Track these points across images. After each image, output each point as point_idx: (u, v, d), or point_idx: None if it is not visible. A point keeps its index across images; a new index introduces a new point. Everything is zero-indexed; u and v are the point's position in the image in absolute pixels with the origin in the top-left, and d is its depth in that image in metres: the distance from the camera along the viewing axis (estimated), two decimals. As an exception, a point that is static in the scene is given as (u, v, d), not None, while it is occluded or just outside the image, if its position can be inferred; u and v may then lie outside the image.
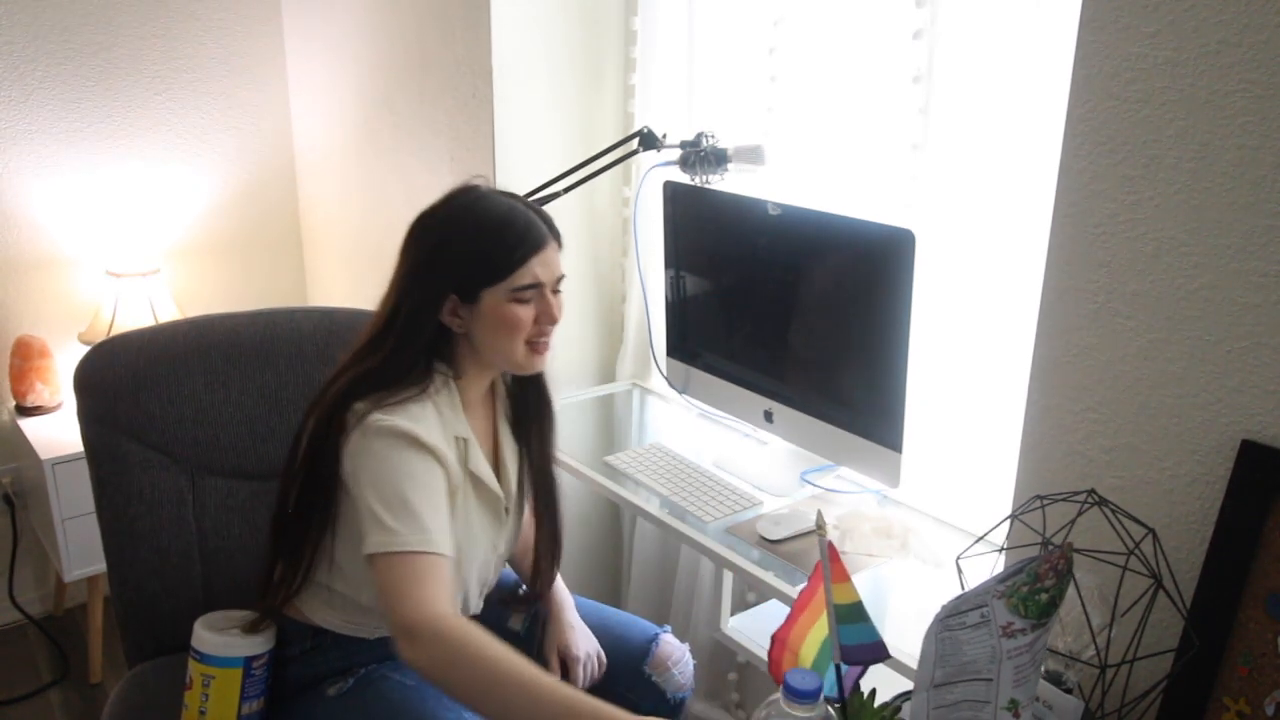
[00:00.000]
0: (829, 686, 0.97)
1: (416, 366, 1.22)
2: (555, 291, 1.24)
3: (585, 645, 1.42)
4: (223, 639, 1.26)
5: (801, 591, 1.02)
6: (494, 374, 1.33)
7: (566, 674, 1.40)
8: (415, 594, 1.11)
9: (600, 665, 1.43)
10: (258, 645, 1.28)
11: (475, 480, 1.29)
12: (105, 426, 1.40)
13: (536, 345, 1.24)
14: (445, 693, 1.11)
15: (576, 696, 1.07)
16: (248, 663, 1.26)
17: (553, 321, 1.24)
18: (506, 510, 1.35)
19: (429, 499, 1.16)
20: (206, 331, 1.48)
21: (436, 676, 1.10)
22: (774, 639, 1.03)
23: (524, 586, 1.47)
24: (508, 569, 1.51)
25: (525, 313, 1.21)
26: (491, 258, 1.19)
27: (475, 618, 1.44)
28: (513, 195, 1.25)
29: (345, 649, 1.32)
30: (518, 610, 1.49)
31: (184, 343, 1.46)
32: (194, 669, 1.27)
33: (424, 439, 1.17)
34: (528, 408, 1.37)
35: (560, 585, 1.49)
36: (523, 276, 1.19)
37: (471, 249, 1.19)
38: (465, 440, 1.27)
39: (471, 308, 1.21)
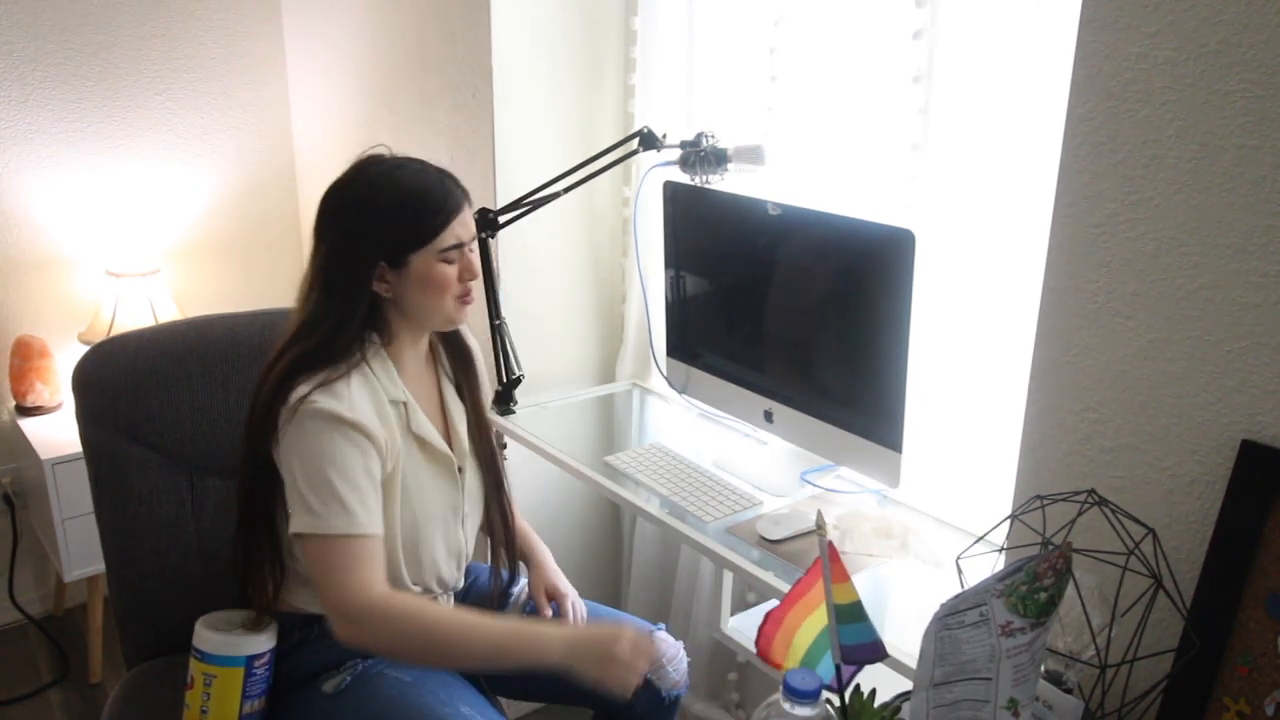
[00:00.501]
0: (826, 678, 0.97)
1: (355, 340, 1.27)
2: (471, 250, 1.32)
3: (569, 585, 1.51)
4: (224, 638, 1.26)
5: (801, 578, 1.02)
6: (425, 335, 1.38)
7: (557, 613, 1.48)
8: (347, 579, 1.18)
9: (582, 605, 1.51)
10: (259, 644, 1.28)
11: (421, 443, 1.32)
12: (104, 427, 1.40)
13: (465, 298, 1.32)
14: (398, 661, 1.23)
15: (517, 625, 1.23)
16: (249, 662, 1.26)
17: (475, 276, 1.32)
18: (460, 470, 1.38)
19: (353, 481, 1.20)
20: (205, 332, 1.48)
21: (384, 651, 1.23)
22: (768, 616, 1.02)
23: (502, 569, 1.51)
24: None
25: (452, 271, 1.29)
26: (418, 223, 1.26)
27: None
28: (419, 160, 1.31)
29: (334, 639, 1.32)
30: (510, 604, 1.51)
31: (182, 343, 1.46)
32: (195, 668, 1.27)
33: (349, 418, 1.21)
34: (455, 364, 1.44)
35: (534, 538, 1.55)
36: (447, 238, 1.27)
37: (399, 217, 1.25)
38: (404, 404, 1.31)
39: (399, 272, 1.27)
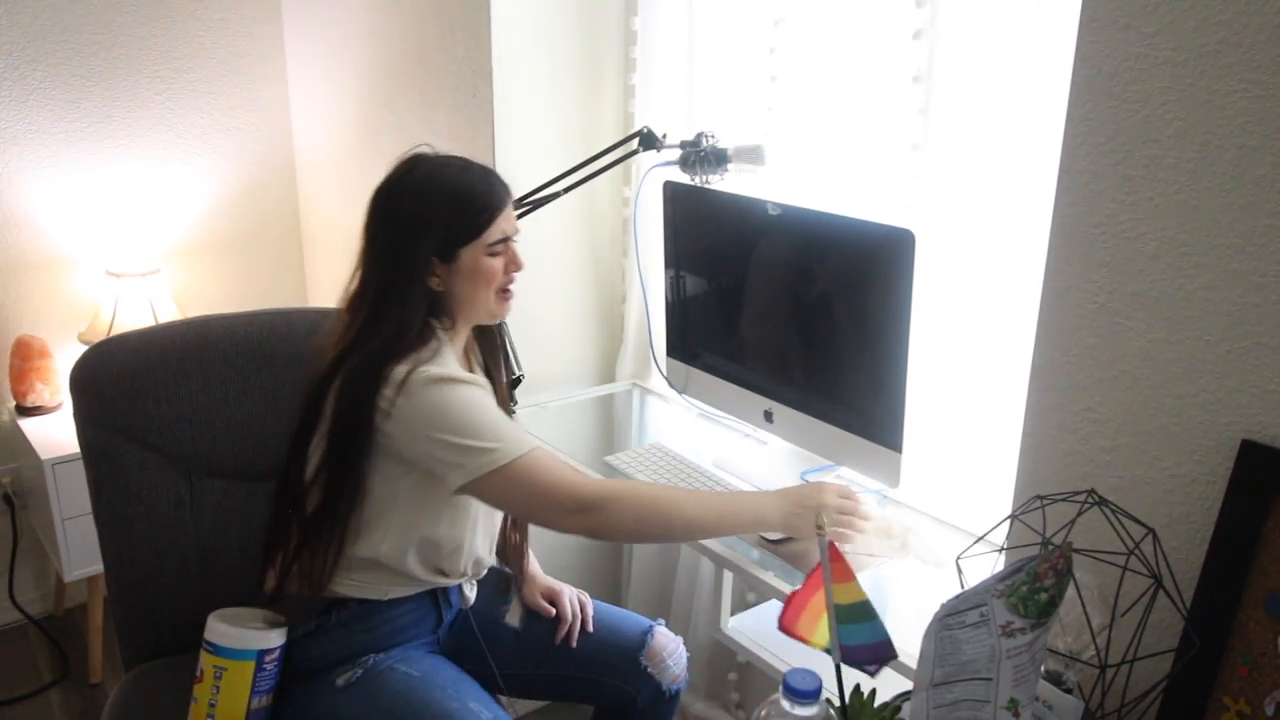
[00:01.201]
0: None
1: (425, 327, 1.31)
2: (515, 242, 1.37)
3: (561, 583, 1.54)
4: (237, 631, 1.27)
5: (818, 566, 1.00)
6: (469, 328, 1.41)
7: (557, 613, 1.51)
8: (563, 479, 1.25)
9: (575, 594, 1.53)
10: (271, 639, 1.28)
11: None
12: (102, 428, 1.40)
13: (506, 292, 1.37)
14: (634, 542, 1.36)
15: (727, 494, 1.37)
16: (260, 656, 1.27)
17: (519, 268, 1.36)
18: None
19: (499, 414, 1.28)
20: (203, 332, 1.48)
21: (626, 531, 1.31)
22: (791, 599, 1.01)
23: (506, 567, 1.54)
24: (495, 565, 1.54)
25: (498, 264, 1.33)
26: (467, 219, 1.30)
27: (475, 612, 1.46)
28: (462, 158, 1.34)
29: (350, 629, 1.33)
30: (511, 600, 1.52)
31: (181, 343, 1.46)
32: (206, 661, 1.27)
33: (463, 375, 1.27)
34: (488, 354, 1.48)
35: (522, 548, 1.56)
36: (494, 233, 1.31)
37: (449, 213, 1.29)
38: None
39: (449, 266, 1.31)
